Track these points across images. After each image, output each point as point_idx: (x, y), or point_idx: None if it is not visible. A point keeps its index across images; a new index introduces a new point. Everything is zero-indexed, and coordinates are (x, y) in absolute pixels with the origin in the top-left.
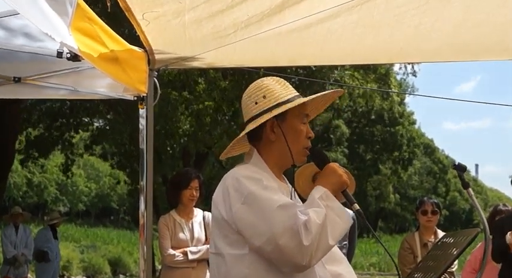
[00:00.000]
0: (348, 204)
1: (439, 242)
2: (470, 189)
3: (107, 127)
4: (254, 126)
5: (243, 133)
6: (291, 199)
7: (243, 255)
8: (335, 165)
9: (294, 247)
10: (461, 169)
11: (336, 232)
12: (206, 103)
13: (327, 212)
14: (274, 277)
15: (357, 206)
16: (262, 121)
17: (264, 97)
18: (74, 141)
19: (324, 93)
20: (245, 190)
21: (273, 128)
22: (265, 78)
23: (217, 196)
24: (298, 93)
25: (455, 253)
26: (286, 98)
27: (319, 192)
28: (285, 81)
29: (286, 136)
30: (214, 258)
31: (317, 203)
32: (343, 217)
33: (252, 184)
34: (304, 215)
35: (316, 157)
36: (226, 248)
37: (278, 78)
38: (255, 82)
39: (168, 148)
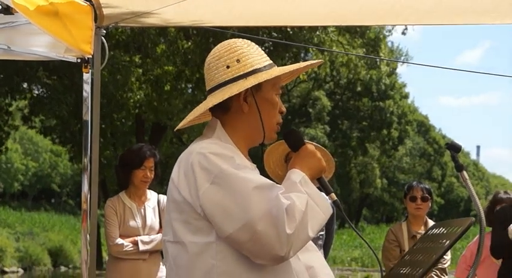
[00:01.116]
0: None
1: (428, 233)
2: (464, 172)
3: (48, 95)
4: (230, 93)
5: (216, 100)
6: None
7: (208, 244)
8: (313, 147)
9: (274, 235)
10: (455, 149)
11: (315, 223)
12: (165, 68)
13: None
14: (245, 270)
15: (334, 196)
16: (240, 89)
17: (238, 61)
18: (9, 109)
19: (303, 63)
20: (215, 168)
21: (246, 98)
22: (236, 39)
23: (177, 174)
24: (271, 61)
25: (446, 245)
26: (262, 65)
27: (297, 175)
28: (257, 46)
29: (260, 108)
30: (171, 247)
31: (298, 187)
32: (323, 206)
33: (223, 162)
34: (287, 199)
35: (292, 137)
36: (188, 236)
37: (249, 41)
38: (224, 43)
39: (117, 122)
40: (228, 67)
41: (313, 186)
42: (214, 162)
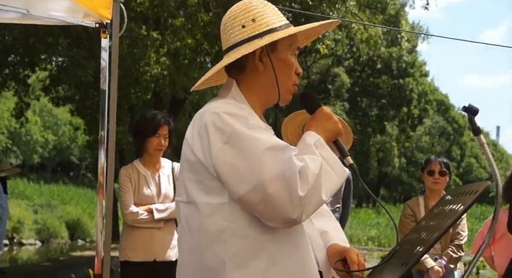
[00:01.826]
0: (340, 158)
1: (443, 199)
2: (481, 136)
3: (67, 66)
4: (245, 52)
5: (230, 60)
6: None
7: (221, 205)
8: (329, 109)
9: (286, 197)
10: (472, 111)
11: (329, 186)
12: (185, 41)
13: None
14: (256, 232)
15: (350, 159)
16: (254, 48)
17: (253, 20)
18: (29, 81)
19: (320, 23)
20: (228, 128)
21: (261, 57)
22: None
23: (191, 134)
24: (288, 22)
25: (460, 209)
26: (278, 25)
27: (312, 138)
28: (274, 6)
29: (275, 68)
30: (184, 208)
31: (312, 150)
32: (338, 170)
33: (236, 121)
34: (300, 161)
35: (307, 100)
36: (201, 196)
37: (266, 1)
38: (240, 3)
39: (134, 95)
40: (243, 26)
41: (328, 149)
42: (228, 121)
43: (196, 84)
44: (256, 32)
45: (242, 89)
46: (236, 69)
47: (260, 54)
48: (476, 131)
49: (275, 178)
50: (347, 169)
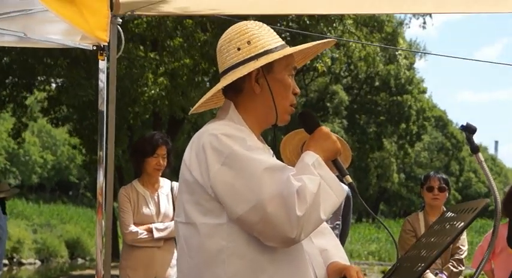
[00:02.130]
0: (339, 177)
1: (443, 216)
2: (480, 154)
3: (65, 87)
4: (240, 74)
5: (226, 82)
6: None
7: (219, 225)
8: (327, 129)
9: (285, 216)
10: (470, 130)
11: (328, 206)
12: (183, 61)
13: (320, 182)
14: (256, 252)
15: (349, 178)
16: (249, 70)
17: (249, 43)
18: (27, 102)
19: (316, 42)
20: (226, 149)
21: (258, 79)
22: (247, 21)
23: (189, 156)
24: (284, 42)
25: (460, 226)
26: (273, 46)
27: (311, 158)
28: (269, 28)
29: (272, 90)
30: (183, 229)
31: (311, 170)
32: (337, 189)
33: (234, 143)
34: (298, 181)
35: (306, 120)
36: (199, 217)
37: (261, 23)
38: (235, 26)
39: (132, 115)
40: (238, 49)
41: (326, 168)
42: (226, 143)
43: (194, 107)
44: (252, 54)
45: (240, 111)
46: (233, 91)
47: (256, 75)
48: (475, 149)
49: (274, 198)
50: (346, 187)
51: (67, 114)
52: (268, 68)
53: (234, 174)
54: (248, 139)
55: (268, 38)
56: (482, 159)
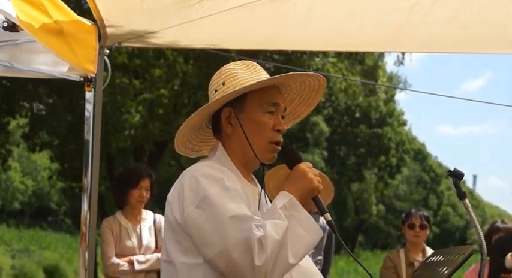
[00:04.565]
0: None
1: (427, 261)
2: (467, 200)
3: (48, 113)
4: (201, 114)
5: (191, 122)
6: (259, 202)
7: (197, 265)
8: (305, 166)
9: (247, 265)
10: (457, 176)
11: (299, 248)
12: (162, 91)
13: (290, 225)
14: None
15: (328, 216)
16: (208, 109)
17: (224, 84)
18: (9, 128)
19: (289, 74)
20: (202, 192)
21: (229, 119)
22: (234, 61)
23: (172, 195)
24: (266, 78)
25: (446, 273)
26: (247, 84)
27: (282, 199)
28: (257, 65)
29: (244, 129)
30: (165, 266)
31: (278, 214)
32: (311, 229)
33: (211, 185)
34: (260, 229)
35: (286, 155)
36: (179, 256)
37: (250, 61)
38: (221, 68)
39: (112, 142)
40: (216, 91)
41: (300, 209)
42: (203, 185)
43: (180, 151)
44: (222, 94)
45: (227, 150)
46: (216, 132)
47: (229, 116)
48: (462, 195)
49: (237, 246)
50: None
51: (47, 140)
52: (240, 107)
53: (205, 217)
54: (227, 179)
55: (248, 76)
56: (469, 205)
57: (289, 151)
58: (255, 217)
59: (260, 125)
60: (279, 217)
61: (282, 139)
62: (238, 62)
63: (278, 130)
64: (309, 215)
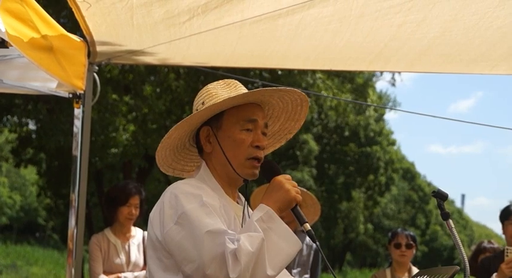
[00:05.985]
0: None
1: None
2: (450, 221)
3: (37, 129)
4: (176, 134)
5: (161, 143)
6: (242, 219)
7: None
8: (283, 178)
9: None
10: (441, 197)
11: (277, 260)
12: (154, 107)
13: (267, 237)
14: None
15: (307, 226)
16: (181, 130)
17: (203, 103)
18: None
19: (260, 89)
20: (180, 209)
21: (208, 138)
22: (215, 82)
23: (153, 213)
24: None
25: None
26: (218, 102)
27: (260, 212)
28: (237, 83)
29: (222, 146)
30: None
31: (254, 226)
32: (289, 241)
33: (189, 202)
34: (235, 243)
35: (265, 170)
36: (160, 274)
37: (231, 80)
38: (204, 87)
39: (100, 159)
40: (197, 110)
41: (278, 220)
42: (181, 202)
43: (171, 173)
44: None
45: (209, 169)
46: (200, 151)
47: (206, 134)
48: (445, 216)
49: (212, 260)
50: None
51: (36, 157)
52: (217, 125)
53: (184, 234)
54: (205, 196)
55: (226, 94)
56: (453, 226)
57: (267, 166)
58: (229, 231)
59: (237, 142)
60: (255, 229)
61: (262, 155)
62: (220, 81)
63: (257, 146)
64: (287, 226)
